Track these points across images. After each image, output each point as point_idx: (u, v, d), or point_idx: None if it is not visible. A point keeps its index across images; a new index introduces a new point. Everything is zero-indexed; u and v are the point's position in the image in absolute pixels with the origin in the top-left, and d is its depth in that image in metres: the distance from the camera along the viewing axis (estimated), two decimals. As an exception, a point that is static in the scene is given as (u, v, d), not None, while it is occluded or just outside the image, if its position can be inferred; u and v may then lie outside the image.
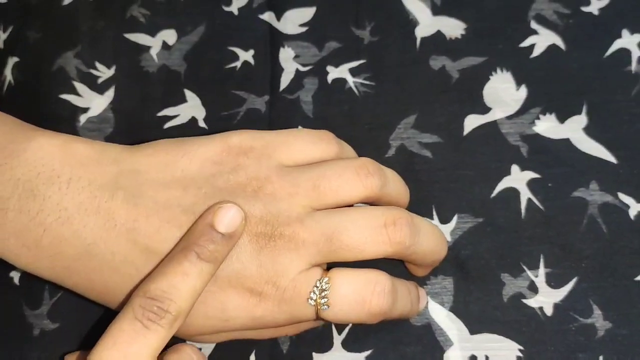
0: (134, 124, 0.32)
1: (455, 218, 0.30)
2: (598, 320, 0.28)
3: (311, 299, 0.25)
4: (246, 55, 0.34)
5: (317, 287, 0.25)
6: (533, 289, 0.29)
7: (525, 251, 0.30)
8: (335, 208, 0.27)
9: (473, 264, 0.29)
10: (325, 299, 0.25)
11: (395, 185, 0.28)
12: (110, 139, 0.32)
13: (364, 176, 0.27)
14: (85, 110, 0.32)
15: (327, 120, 0.32)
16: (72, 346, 0.28)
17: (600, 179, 0.31)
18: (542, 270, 0.29)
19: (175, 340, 0.26)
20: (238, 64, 0.33)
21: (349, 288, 0.26)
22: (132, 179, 0.26)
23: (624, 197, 0.31)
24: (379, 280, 0.26)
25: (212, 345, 0.28)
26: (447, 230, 0.30)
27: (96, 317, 0.29)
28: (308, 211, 0.26)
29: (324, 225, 0.26)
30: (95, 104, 0.32)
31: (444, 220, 0.30)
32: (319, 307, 0.26)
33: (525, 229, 0.30)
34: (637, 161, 0.31)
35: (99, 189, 0.26)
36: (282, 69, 0.33)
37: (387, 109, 0.33)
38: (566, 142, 0.32)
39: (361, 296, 0.25)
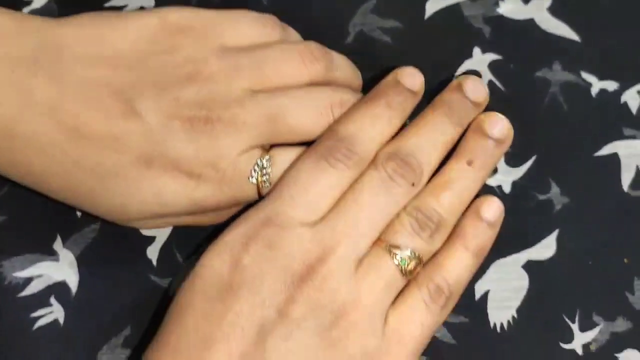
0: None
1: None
2: (556, 195, 0.29)
3: (252, 176, 0.25)
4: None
5: (258, 165, 0.25)
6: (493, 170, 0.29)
7: (484, 131, 0.29)
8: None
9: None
10: (267, 177, 0.25)
11: (344, 70, 0.28)
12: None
13: (308, 61, 0.26)
14: (28, 3, 0.31)
15: (282, 8, 0.31)
16: (21, 238, 0.27)
17: (563, 59, 0.30)
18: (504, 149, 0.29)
19: (116, 226, 0.27)
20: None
21: (289, 156, 0.25)
22: (56, 54, 0.25)
23: (587, 76, 0.30)
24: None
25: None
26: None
27: (43, 210, 0.28)
28: (248, 94, 0.25)
29: (266, 106, 0.25)
30: (38, -4, 0.31)
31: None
32: (260, 186, 0.25)
33: (485, 109, 0.29)
34: (600, 39, 0.31)
35: (18, 63, 0.24)
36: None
37: (346, -5, 0.32)
38: (530, 22, 0.31)
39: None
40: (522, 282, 0.27)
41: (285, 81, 0.26)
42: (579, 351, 0.27)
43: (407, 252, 0.24)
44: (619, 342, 0.27)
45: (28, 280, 0.27)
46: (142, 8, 0.31)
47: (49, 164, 0.25)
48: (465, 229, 0.25)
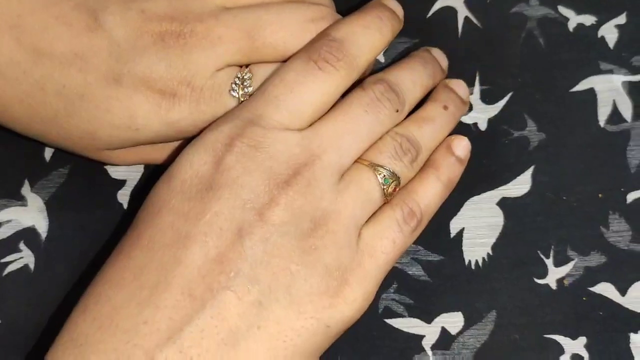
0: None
1: (388, 39, 0.29)
2: (532, 131, 0.28)
3: (233, 90, 0.24)
4: None
5: (239, 77, 0.24)
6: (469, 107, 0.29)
7: (460, 69, 0.29)
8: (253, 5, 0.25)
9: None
10: (250, 88, 0.24)
11: None
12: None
13: None
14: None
15: None
16: None
17: (540, -7, 0.30)
18: (477, 88, 0.29)
19: (83, 159, 0.26)
20: None
21: (271, 69, 0.24)
22: None
23: (564, 10, 0.30)
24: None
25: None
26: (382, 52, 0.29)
27: (10, 154, 0.27)
28: (223, 9, 0.24)
29: (243, 20, 0.24)
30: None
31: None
32: (242, 99, 0.24)
33: (461, 47, 0.29)
34: (578, -28, 0.30)
35: None
36: None
37: None
38: (507, -44, 0.30)
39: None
40: (497, 219, 0.27)
41: None
42: (553, 286, 0.27)
43: (390, 173, 0.24)
44: (592, 276, 0.27)
45: (-4, 226, 0.27)
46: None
47: (9, 87, 0.24)
48: (438, 161, 0.26)
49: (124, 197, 0.27)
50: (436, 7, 0.30)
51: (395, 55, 0.29)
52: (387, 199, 0.24)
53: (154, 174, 0.27)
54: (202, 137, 0.23)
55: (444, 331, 0.26)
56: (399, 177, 0.24)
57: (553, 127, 0.28)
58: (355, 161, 0.24)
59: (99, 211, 0.27)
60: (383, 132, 0.25)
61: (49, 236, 0.26)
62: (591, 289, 0.27)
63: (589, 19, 0.30)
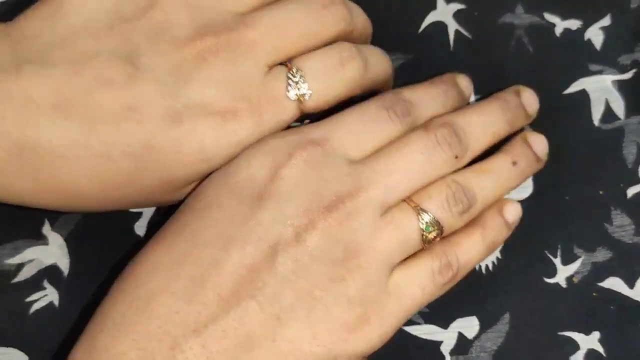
0: None
1: (384, 57, 0.30)
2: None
3: (289, 92, 0.24)
4: None
5: (291, 78, 0.24)
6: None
7: (454, 80, 0.30)
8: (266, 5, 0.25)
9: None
10: (305, 87, 0.24)
11: None
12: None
13: None
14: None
15: None
16: (9, 225, 0.27)
17: (525, 2, 0.31)
18: (472, 98, 0.29)
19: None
20: None
21: (318, 64, 0.25)
22: (30, 47, 0.23)
23: (550, 17, 0.31)
24: (341, 46, 0.25)
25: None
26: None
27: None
28: (242, 12, 0.24)
29: (269, 19, 0.24)
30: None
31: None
32: (301, 99, 0.24)
33: (454, 59, 0.30)
34: (560, -21, 0.31)
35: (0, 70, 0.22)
36: None
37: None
38: (490, -31, 0.31)
39: (333, 66, 0.25)
40: (503, 223, 0.28)
41: None
42: (563, 284, 0.27)
43: (434, 220, 0.24)
44: (600, 271, 0.28)
45: (20, 266, 0.27)
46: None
47: (75, 167, 0.23)
48: (487, 221, 0.26)
49: (140, 228, 0.28)
50: (426, 22, 0.31)
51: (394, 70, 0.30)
52: (426, 245, 0.24)
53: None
54: (265, 140, 0.24)
55: (461, 336, 0.27)
56: (442, 227, 0.24)
57: (550, 130, 0.29)
58: (403, 200, 0.24)
59: (118, 244, 0.27)
60: (438, 176, 0.25)
61: (71, 272, 0.27)
62: (600, 284, 0.27)
63: (574, 24, 0.31)
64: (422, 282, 0.24)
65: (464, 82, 0.28)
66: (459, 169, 0.25)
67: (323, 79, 0.25)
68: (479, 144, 0.26)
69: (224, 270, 0.22)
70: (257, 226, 0.22)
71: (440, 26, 0.31)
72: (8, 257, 0.27)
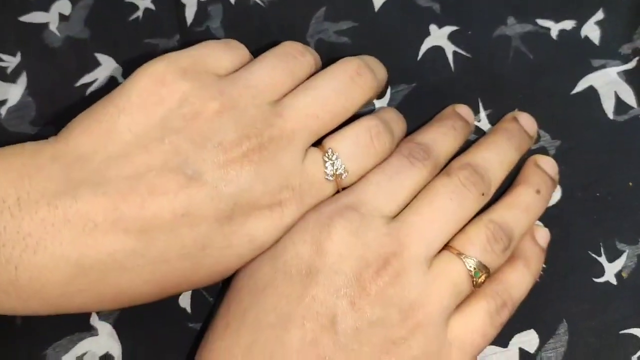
0: (56, 101, 0.31)
1: (388, 90, 0.31)
2: (547, 141, 0.29)
3: (328, 175, 0.25)
4: (145, 3, 0.33)
5: (327, 162, 0.25)
6: (478, 132, 0.30)
7: (462, 100, 0.30)
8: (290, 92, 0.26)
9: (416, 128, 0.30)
10: (342, 168, 0.25)
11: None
12: (36, 121, 0.31)
13: (299, 55, 0.27)
14: (3, 102, 0.32)
15: (241, 40, 0.32)
16: (58, 321, 0.26)
17: (516, 12, 0.31)
18: (482, 114, 0.30)
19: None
20: (140, 13, 0.33)
21: (351, 144, 0.26)
22: (84, 168, 0.23)
23: (543, 22, 0.31)
24: (370, 123, 0.26)
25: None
26: (384, 103, 0.30)
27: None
28: (273, 104, 0.25)
29: (303, 106, 0.26)
30: (11, 94, 0.32)
31: (378, 95, 0.30)
32: (338, 179, 0.26)
33: (458, 80, 0.31)
34: (546, -16, 0.32)
35: (56, 195, 0.22)
36: (183, 5, 0.33)
37: (296, 11, 0.32)
38: (475, -13, 0.32)
39: (365, 145, 0.26)
40: (539, 231, 0.28)
41: (295, 81, 0.26)
42: (614, 281, 0.27)
43: (480, 264, 0.25)
44: (647, 262, 0.27)
45: (76, 361, 0.27)
46: (112, 77, 0.32)
47: (134, 276, 0.23)
48: (526, 251, 0.26)
49: (185, 301, 0.28)
50: (423, 49, 0.31)
51: (397, 103, 0.30)
52: (476, 288, 0.25)
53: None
54: (305, 218, 0.25)
55: (522, 351, 0.26)
56: (489, 269, 0.25)
57: (565, 131, 0.29)
58: (445, 247, 0.25)
59: (165, 320, 0.27)
60: (470, 216, 0.26)
61: (124, 357, 0.27)
62: (650, 274, 0.27)
63: (568, 24, 0.31)
64: (482, 327, 0.24)
65: (464, 111, 0.29)
66: (489, 208, 0.26)
67: (358, 159, 0.26)
68: (497, 177, 0.27)
69: (290, 350, 0.22)
70: (313, 301, 0.23)
71: (438, 50, 0.31)
72: (61, 355, 0.27)
